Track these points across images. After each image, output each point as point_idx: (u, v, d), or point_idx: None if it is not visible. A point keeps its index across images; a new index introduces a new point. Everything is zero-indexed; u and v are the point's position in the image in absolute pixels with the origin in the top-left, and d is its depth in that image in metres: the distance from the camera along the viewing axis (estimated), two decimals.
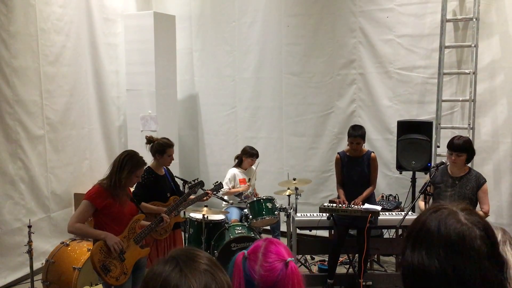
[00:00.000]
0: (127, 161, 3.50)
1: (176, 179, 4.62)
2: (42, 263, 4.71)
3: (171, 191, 4.39)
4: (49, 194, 5.52)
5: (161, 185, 4.32)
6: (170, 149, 4.31)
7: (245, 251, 1.52)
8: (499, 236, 1.45)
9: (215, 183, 4.90)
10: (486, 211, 3.95)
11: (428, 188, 3.84)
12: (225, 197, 5.49)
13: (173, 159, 4.40)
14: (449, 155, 3.94)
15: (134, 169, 3.53)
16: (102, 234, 3.39)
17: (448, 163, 4.03)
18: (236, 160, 5.82)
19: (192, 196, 4.56)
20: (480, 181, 3.96)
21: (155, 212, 4.11)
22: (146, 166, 4.29)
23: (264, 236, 5.44)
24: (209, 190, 4.69)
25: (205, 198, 4.62)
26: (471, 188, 3.93)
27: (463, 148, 3.90)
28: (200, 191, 4.67)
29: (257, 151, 5.76)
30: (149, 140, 4.34)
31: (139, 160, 3.58)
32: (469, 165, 4.20)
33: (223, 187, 5.05)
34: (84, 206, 3.42)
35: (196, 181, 4.53)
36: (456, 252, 1.12)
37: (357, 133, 4.60)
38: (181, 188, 4.65)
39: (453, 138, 3.99)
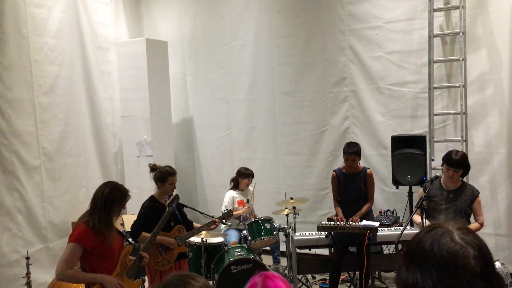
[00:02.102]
0: (112, 196, 3.27)
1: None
2: None
3: (175, 220, 4.26)
4: (47, 224, 5.50)
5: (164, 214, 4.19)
6: (171, 177, 4.20)
7: None
8: None
9: (224, 211, 4.80)
10: (482, 222, 3.98)
11: (424, 202, 3.85)
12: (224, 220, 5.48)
13: (175, 187, 4.28)
14: (446, 170, 3.93)
15: (121, 202, 3.33)
16: (98, 278, 3.17)
17: (442, 177, 4.05)
18: (232, 183, 5.84)
19: (198, 225, 4.50)
20: (474, 193, 3.98)
21: (158, 242, 4.06)
22: (150, 195, 4.28)
23: (263, 257, 5.43)
24: (217, 218, 4.58)
25: (212, 226, 4.49)
26: (465, 201, 3.95)
27: (461, 164, 3.91)
28: (207, 219, 4.56)
29: (252, 171, 5.78)
30: (152, 168, 4.25)
31: (123, 191, 3.36)
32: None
33: (232, 215, 4.90)
34: (71, 250, 3.15)
35: (172, 197, 4.21)
36: (449, 271, 1.11)
37: (351, 150, 4.65)
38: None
39: (450, 153, 3.97)
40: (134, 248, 3.63)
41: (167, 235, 4.14)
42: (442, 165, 4.07)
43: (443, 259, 1.13)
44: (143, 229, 4.07)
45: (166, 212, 4.00)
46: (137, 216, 4.19)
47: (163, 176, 4.19)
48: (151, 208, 4.17)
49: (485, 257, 1.14)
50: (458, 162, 3.90)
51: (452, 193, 3.96)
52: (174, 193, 4.23)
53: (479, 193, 4.01)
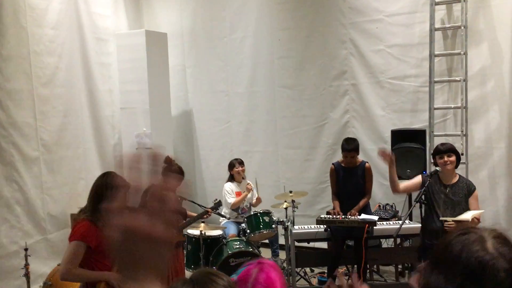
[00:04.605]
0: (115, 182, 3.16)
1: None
2: (40, 286, 4.67)
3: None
4: (46, 215, 5.50)
5: None
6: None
7: (235, 277, 1.45)
8: None
9: (214, 200, 4.88)
10: (478, 218, 3.97)
11: (423, 196, 3.85)
12: (223, 212, 5.49)
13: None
14: (439, 160, 3.97)
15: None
16: (105, 275, 3.06)
17: (440, 171, 4.05)
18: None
19: (193, 214, 4.57)
20: (470, 188, 3.99)
21: None
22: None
23: (262, 250, 5.43)
24: (209, 208, 4.66)
25: (205, 216, 4.58)
26: (463, 195, 3.96)
27: (451, 149, 3.98)
28: (200, 210, 4.70)
29: (240, 159, 5.77)
30: (166, 160, 4.22)
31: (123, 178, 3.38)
32: (462, 173, 4.23)
33: (221, 205, 4.98)
34: (76, 248, 3.00)
35: (215, 201, 4.68)
36: (474, 282, 1.03)
37: (350, 147, 4.64)
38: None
39: (437, 146, 4.09)
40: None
41: None
42: (434, 161, 4.10)
43: (470, 267, 1.04)
44: None
45: (203, 211, 4.17)
46: None
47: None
48: None
49: None
50: (447, 148, 3.97)
51: (450, 187, 3.97)
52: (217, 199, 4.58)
53: (475, 188, 4.01)
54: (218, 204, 4.83)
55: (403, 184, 4.18)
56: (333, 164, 4.89)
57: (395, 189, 4.12)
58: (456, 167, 4.03)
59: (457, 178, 4.01)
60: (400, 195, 4.15)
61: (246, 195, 5.57)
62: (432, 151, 5.28)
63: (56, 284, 4.35)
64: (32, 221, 5.32)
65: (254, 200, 5.78)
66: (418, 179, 4.14)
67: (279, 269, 1.46)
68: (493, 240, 1.07)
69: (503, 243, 1.07)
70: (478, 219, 3.91)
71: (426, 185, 3.93)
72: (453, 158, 3.94)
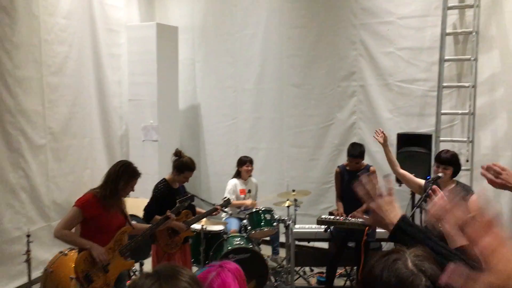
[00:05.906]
0: (123, 171, 3.51)
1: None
2: (41, 272, 4.72)
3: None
4: (50, 203, 5.55)
5: (174, 199, 4.24)
6: (188, 172, 4.31)
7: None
8: None
9: (224, 198, 4.89)
10: None
11: (423, 202, 3.83)
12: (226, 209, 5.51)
13: (187, 181, 4.40)
14: (436, 168, 3.90)
15: (131, 179, 3.55)
16: (87, 244, 3.37)
17: (442, 177, 4.00)
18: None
19: (202, 210, 4.64)
20: (468, 192, 3.87)
21: (169, 226, 4.13)
22: (162, 178, 4.35)
23: (262, 247, 5.45)
24: (218, 205, 4.70)
25: (214, 213, 4.64)
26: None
27: (449, 161, 3.84)
28: (209, 206, 4.74)
29: (250, 158, 5.77)
30: (177, 153, 4.34)
31: (135, 170, 3.59)
32: (466, 180, 4.18)
33: (230, 203, 4.98)
34: (73, 213, 3.39)
35: (186, 195, 4.32)
36: None
37: (356, 153, 4.65)
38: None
39: (440, 152, 3.96)
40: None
41: (176, 219, 4.21)
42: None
43: (390, 285, 1.07)
44: (157, 212, 4.13)
45: (175, 208, 4.04)
46: (151, 199, 4.28)
47: (181, 168, 4.28)
48: (163, 191, 4.27)
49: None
50: (446, 160, 3.83)
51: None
52: (189, 194, 4.38)
53: (472, 192, 3.82)
54: (227, 202, 4.82)
55: (406, 173, 4.10)
56: (338, 167, 4.90)
57: (393, 169, 4.07)
58: (453, 176, 3.94)
59: (453, 185, 3.93)
60: (399, 177, 4.11)
61: (245, 204, 5.56)
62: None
63: (57, 272, 4.41)
64: (36, 208, 5.38)
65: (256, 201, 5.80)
66: (420, 181, 4.08)
67: (240, 275, 1.48)
68: (414, 258, 1.09)
69: (424, 260, 1.09)
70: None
71: (426, 191, 3.89)
72: (449, 170, 3.82)
